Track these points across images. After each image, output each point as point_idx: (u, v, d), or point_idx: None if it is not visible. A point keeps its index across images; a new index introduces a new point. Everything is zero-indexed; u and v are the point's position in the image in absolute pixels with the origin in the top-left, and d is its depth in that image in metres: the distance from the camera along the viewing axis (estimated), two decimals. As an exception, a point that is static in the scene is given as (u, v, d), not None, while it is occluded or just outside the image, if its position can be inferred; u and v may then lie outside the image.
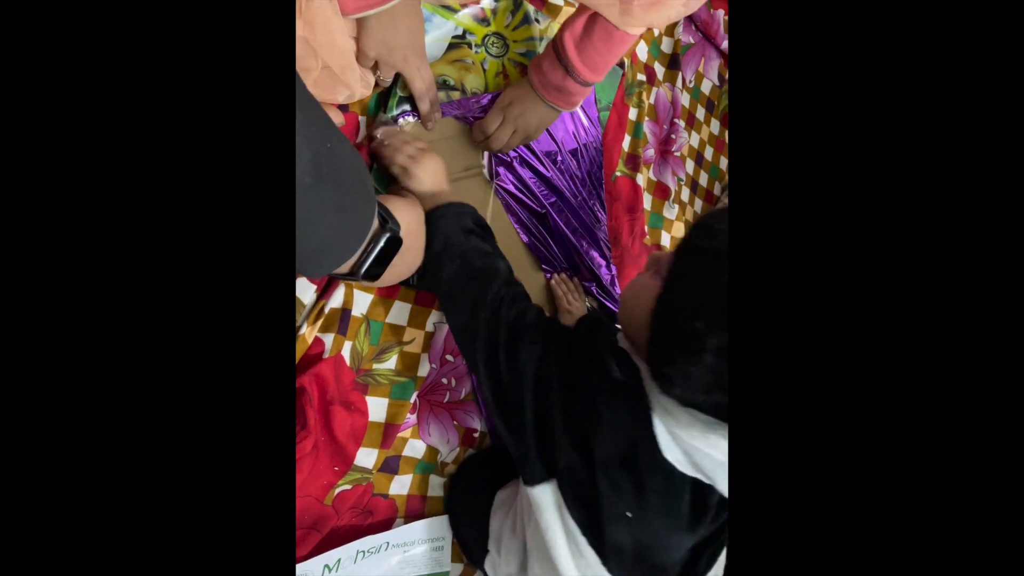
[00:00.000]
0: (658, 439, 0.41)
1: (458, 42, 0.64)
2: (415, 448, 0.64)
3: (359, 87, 0.52)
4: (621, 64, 0.79)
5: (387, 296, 0.60)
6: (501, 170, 0.67)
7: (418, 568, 0.63)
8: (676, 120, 0.90)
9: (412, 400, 0.63)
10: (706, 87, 0.98)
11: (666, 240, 0.91)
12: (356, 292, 0.57)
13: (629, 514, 0.43)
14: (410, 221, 0.47)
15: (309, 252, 0.35)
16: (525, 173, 0.68)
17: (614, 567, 0.45)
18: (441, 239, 0.52)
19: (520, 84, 0.63)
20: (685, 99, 0.92)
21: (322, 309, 0.55)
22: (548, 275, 0.73)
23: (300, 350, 0.53)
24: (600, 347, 0.46)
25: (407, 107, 0.59)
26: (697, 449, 0.39)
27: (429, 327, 0.64)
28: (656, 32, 0.88)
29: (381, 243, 0.41)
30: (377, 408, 0.61)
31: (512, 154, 0.67)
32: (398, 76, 0.57)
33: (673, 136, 0.91)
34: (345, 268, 0.40)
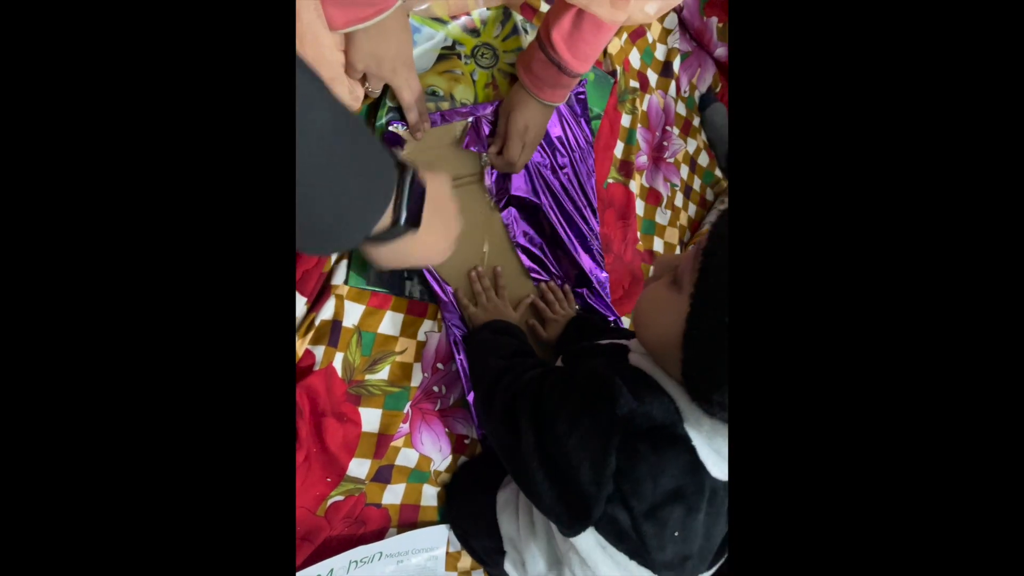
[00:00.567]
0: (704, 463, 0.40)
1: (448, 53, 0.64)
2: (408, 457, 0.64)
3: (348, 100, 0.52)
4: (613, 73, 0.79)
5: (379, 307, 0.60)
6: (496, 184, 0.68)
7: (411, 577, 0.63)
8: (669, 127, 0.90)
9: (405, 410, 0.63)
10: (699, 97, 0.98)
11: (659, 246, 0.91)
12: (347, 303, 0.57)
13: (677, 534, 0.42)
14: (431, 180, 0.44)
15: (346, 212, 0.35)
16: (517, 180, 0.68)
17: (666, 572, 0.44)
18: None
19: (517, 96, 0.63)
20: (681, 108, 0.92)
21: (312, 321, 0.55)
22: (537, 283, 0.73)
23: (291, 362, 0.54)
24: (605, 383, 0.42)
25: (396, 117, 0.59)
26: None
27: (421, 336, 0.64)
28: (650, 39, 0.88)
29: (407, 185, 0.39)
30: (370, 419, 0.61)
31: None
32: (387, 87, 0.57)
33: (666, 143, 0.91)
34: (386, 221, 0.39)
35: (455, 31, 0.64)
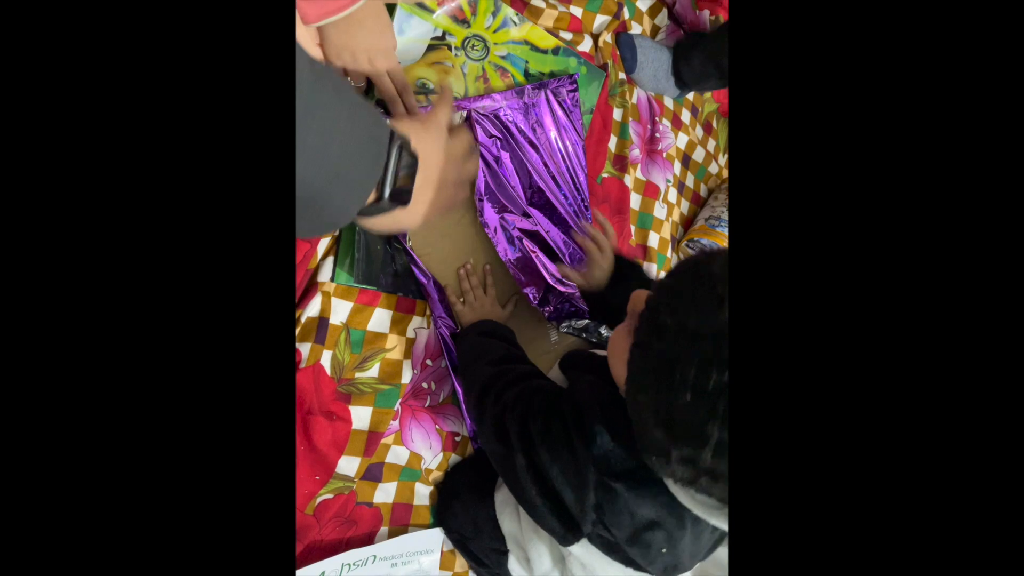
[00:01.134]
0: (680, 500, 0.39)
1: (437, 43, 0.63)
2: (398, 455, 0.63)
3: None
4: (604, 66, 0.78)
5: (367, 303, 0.60)
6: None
7: (404, 579, 0.62)
8: (658, 119, 0.90)
9: (396, 408, 0.62)
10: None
11: (654, 240, 0.91)
12: (334, 300, 0.56)
13: (664, 551, 0.42)
14: (426, 143, 0.41)
15: (329, 184, 0.32)
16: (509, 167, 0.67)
17: (668, 573, 0.45)
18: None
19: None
20: (668, 100, 0.92)
21: (298, 319, 0.54)
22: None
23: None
24: (584, 421, 0.42)
25: (384, 112, 0.58)
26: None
27: (410, 333, 0.63)
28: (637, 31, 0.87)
29: (393, 156, 0.36)
30: (361, 416, 0.60)
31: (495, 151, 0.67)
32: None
33: (657, 135, 0.90)
34: (372, 197, 0.36)
35: (444, 21, 0.63)
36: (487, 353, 0.56)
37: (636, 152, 0.87)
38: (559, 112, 0.71)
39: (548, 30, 0.71)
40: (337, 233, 0.57)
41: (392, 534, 0.63)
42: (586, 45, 0.76)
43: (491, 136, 0.66)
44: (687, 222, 1.00)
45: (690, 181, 1.00)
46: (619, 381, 0.40)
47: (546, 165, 0.70)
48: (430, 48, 0.63)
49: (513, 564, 0.60)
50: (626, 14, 0.81)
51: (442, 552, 0.66)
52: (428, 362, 0.64)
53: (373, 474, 0.62)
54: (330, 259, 0.57)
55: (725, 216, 0.94)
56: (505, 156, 0.67)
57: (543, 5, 0.71)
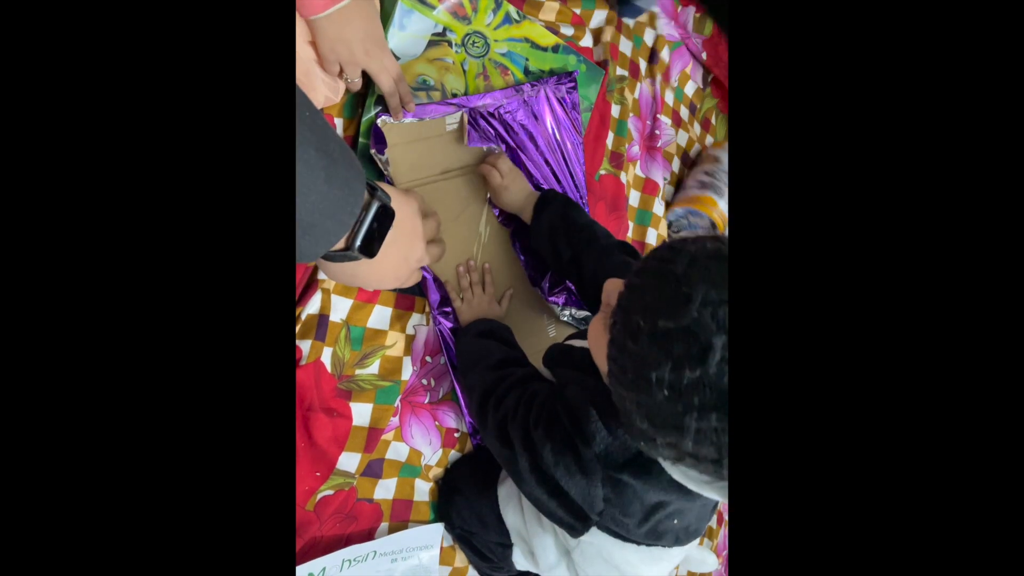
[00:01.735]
0: (675, 477, 0.40)
1: (438, 39, 0.63)
2: (398, 451, 0.63)
3: (324, 91, 0.51)
4: (604, 63, 0.78)
5: (367, 301, 0.60)
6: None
7: (406, 575, 0.63)
8: (659, 116, 0.90)
9: (396, 404, 0.62)
10: (690, 89, 0.97)
11: (652, 237, 0.91)
12: (334, 297, 0.57)
13: (676, 522, 0.45)
14: (401, 207, 0.43)
15: (302, 227, 0.34)
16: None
17: (673, 545, 0.47)
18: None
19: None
20: (669, 97, 0.92)
21: (298, 316, 0.54)
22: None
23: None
24: (581, 420, 0.43)
25: (385, 108, 0.58)
26: None
27: (410, 330, 0.63)
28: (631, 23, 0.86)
29: (372, 212, 0.38)
30: (361, 413, 0.60)
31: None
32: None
33: (657, 132, 0.90)
34: (340, 244, 0.38)
35: (444, 17, 0.63)
36: (486, 356, 0.57)
37: (635, 149, 0.87)
38: (558, 110, 0.71)
39: (549, 25, 0.71)
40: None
41: (392, 530, 0.63)
42: (588, 40, 0.76)
43: (490, 134, 0.66)
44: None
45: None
46: (602, 370, 0.41)
47: (547, 162, 0.70)
48: (430, 44, 0.62)
49: (518, 556, 0.60)
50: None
51: (442, 548, 0.66)
52: (427, 359, 0.65)
53: (373, 470, 0.62)
54: (330, 256, 0.57)
55: (711, 180, 0.92)
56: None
57: None
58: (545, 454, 0.45)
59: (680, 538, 0.46)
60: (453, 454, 0.68)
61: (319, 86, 0.50)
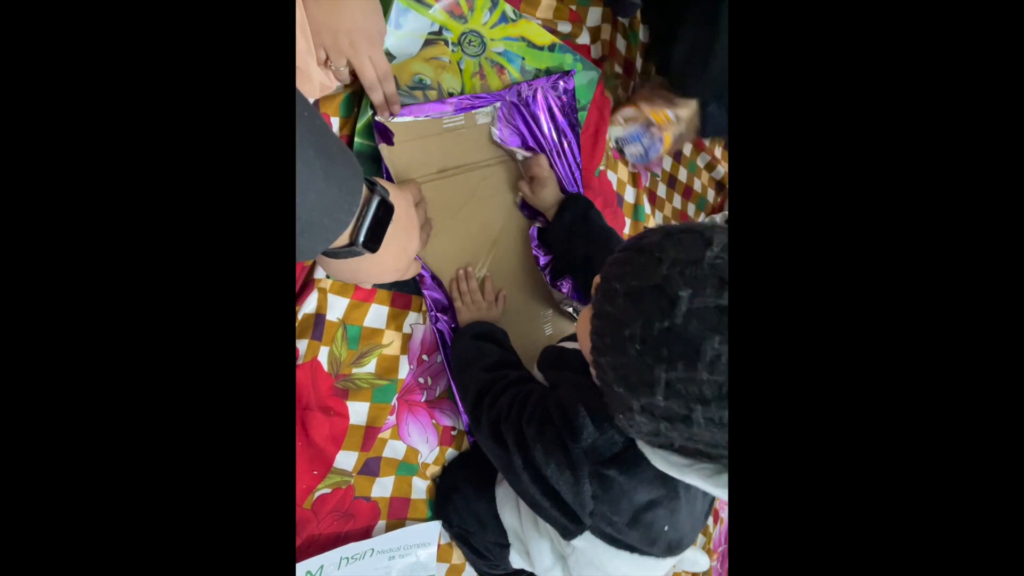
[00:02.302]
0: (656, 465, 0.41)
1: (434, 38, 0.63)
2: (395, 449, 0.64)
3: (319, 78, 0.50)
4: (601, 61, 0.78)
5: (363, 300, 0.60)
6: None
7: (403, 573, 0.63)
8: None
9: (392, 403, 0.62)
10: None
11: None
12: (331, 296, 0.56)
13: (667, 528, 0.46)
14: (397, 200, 0.44)
15: (301, 226, 0.34)
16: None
17: (666, 554, 0.48)
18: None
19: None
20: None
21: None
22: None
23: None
24: (569, 417, 0.45)
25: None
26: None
27: (406, 329, 0.63)
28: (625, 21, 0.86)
29: (372, 207, 0.39)
30: (358, 412, 0.60)
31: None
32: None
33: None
34: (343, 239, 0.39)
35: (440, 16, 0.63)
36: (482, 358, 0.58)
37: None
38: (555, 108, 0.71)
39: (546, 23, 0.71)
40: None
41: (390, 528, 0.63)
42: (585, 37, 0.76)
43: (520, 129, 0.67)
44: (681, 216, 1.01)
45: (683, 175, 1.01)
46: (585, 351, 0.43)
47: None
48: (427, 43, 0.62)
49: (514, 557, 0.61)
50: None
51: (439, 545, 0.66)
52: (424, 357, 0.65)
53: (371, 468, 0.62)
54: (327, 256, 0.56)
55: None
56: None
57: (540, -2, 0.71)
58: (537, 452, 0.46)
59: (672, 548, 0.47)
60: (450, 452, 0.68)
61: (314, 73, 0.49)
